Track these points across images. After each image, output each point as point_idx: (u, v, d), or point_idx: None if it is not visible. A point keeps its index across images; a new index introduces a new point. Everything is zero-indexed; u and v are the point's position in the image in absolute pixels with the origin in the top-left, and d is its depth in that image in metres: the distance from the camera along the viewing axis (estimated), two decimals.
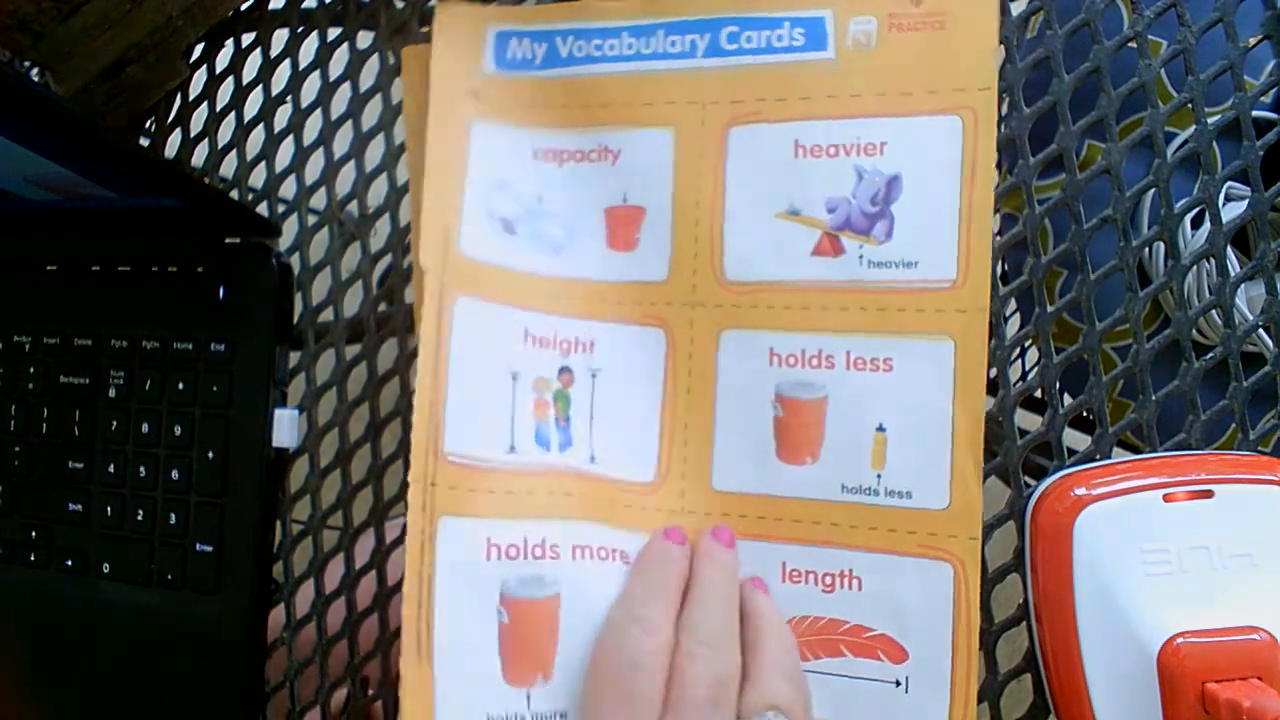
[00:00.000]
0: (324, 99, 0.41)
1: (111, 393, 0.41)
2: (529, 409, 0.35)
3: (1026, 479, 0.33)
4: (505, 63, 0.37)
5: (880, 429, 0.33)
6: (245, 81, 0.43)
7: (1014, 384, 0.33)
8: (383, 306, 0.40)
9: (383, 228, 0.40)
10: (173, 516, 0.39)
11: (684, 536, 0.33)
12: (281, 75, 0.42)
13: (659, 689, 0.29)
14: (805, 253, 0.34)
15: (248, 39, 0.43)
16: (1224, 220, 0.32)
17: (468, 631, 0.33)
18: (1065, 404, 0.33)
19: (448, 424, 0.33)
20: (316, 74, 0.41)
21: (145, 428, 0.40)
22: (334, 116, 0.41)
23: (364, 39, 0.41)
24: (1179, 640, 0.28)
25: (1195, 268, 0.34)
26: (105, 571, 0.40)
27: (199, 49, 0.44)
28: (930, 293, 0.33)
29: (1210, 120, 0.32)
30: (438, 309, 0.34)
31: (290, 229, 0.41)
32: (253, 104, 0.43)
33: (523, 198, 0.36)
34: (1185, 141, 0.35)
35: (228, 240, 0.41)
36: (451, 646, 0.32)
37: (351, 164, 0.40)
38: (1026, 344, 0.34)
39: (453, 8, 0.37)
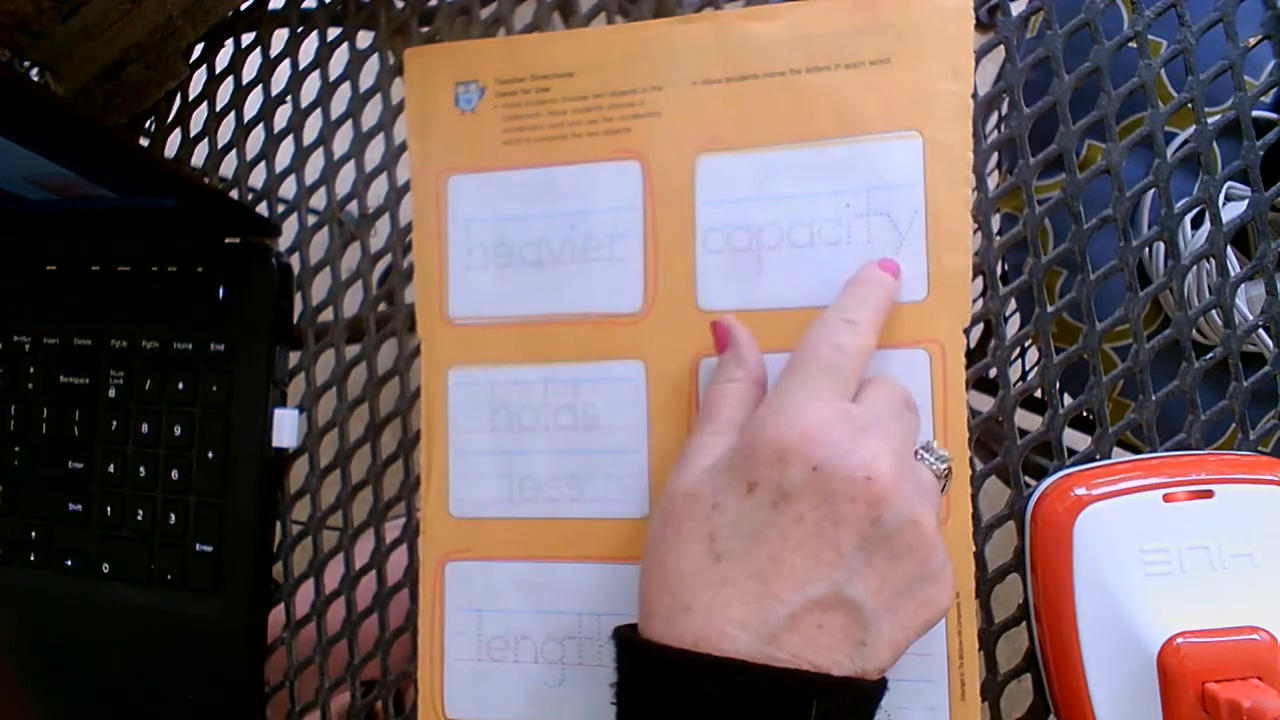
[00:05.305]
0: (324, 99, 0.41)
1: (111, 393, 0.41)
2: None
3: (1026, 479, 0.33)
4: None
5: None
6: (245, 81, 0.43)
7: (1014, 384, 0.33)
8: (383, 306, 0.40)
9: (383, 228, 0.40)
10: (173, 516, 0.39)
11: (897, 268, 0.33)
12: (281, 75, 0.42)
13: (857, 377, 0.30)
14: None
15: (248, 39, 0.43)
16: (1224, 220, 0.32)
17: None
18: (1065, 404, 0.33)
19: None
20: (316, 74, 0.41)
21: (145, 428, 0.40)
22: (334, 116, 0.41)
23: (364, 39, 0.41)
24: (1179, 640, 0.28)
25: (1195, 268, 0.34)
26: (105, 571, 0.40)
27: (199, 49, 0.44)
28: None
29: (1210, 120, 0.32)
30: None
31: (290, 229, 0.41)
32: (252, 104, 0.42)
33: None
34: (1185, 141, 0.35)
35: (227, 240, 0.41)
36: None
37: (351, 164, 0.40)
38: (1026, 344, 0.34)
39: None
